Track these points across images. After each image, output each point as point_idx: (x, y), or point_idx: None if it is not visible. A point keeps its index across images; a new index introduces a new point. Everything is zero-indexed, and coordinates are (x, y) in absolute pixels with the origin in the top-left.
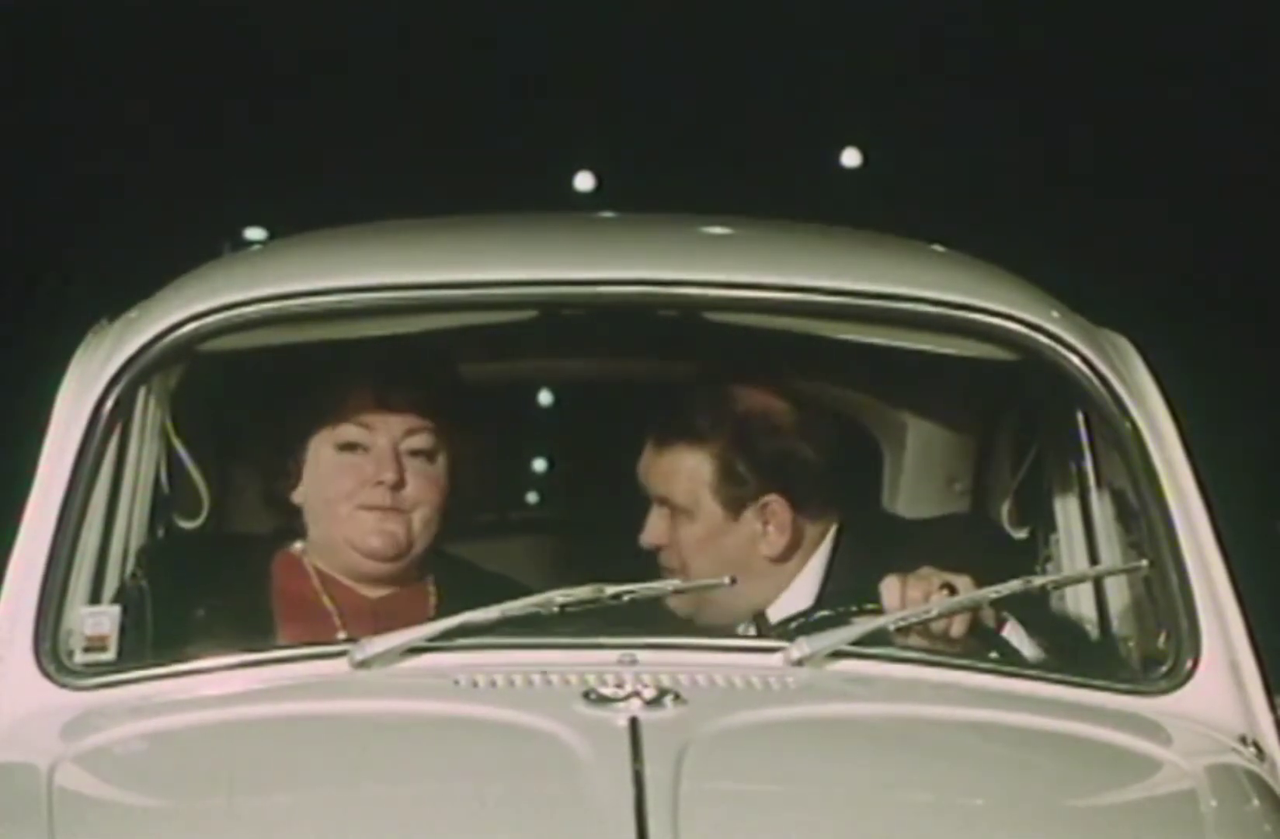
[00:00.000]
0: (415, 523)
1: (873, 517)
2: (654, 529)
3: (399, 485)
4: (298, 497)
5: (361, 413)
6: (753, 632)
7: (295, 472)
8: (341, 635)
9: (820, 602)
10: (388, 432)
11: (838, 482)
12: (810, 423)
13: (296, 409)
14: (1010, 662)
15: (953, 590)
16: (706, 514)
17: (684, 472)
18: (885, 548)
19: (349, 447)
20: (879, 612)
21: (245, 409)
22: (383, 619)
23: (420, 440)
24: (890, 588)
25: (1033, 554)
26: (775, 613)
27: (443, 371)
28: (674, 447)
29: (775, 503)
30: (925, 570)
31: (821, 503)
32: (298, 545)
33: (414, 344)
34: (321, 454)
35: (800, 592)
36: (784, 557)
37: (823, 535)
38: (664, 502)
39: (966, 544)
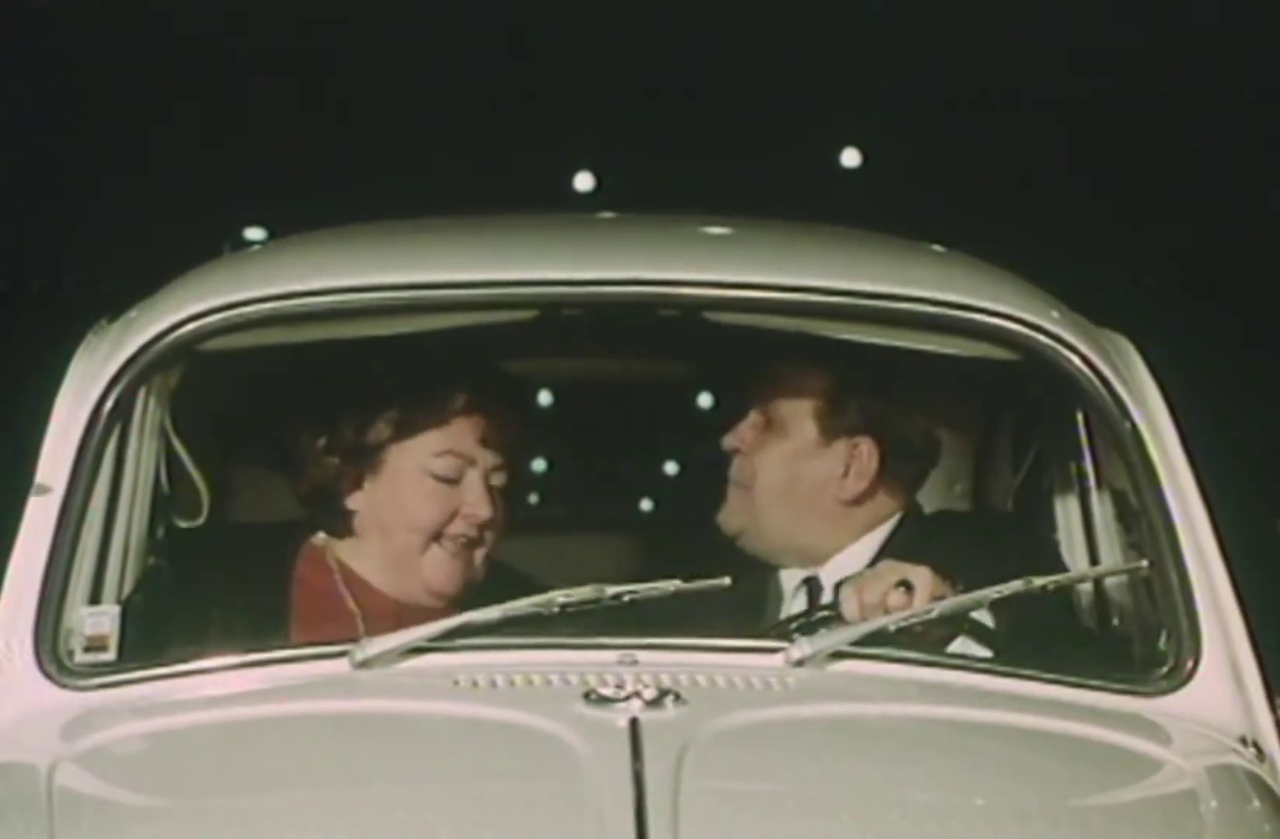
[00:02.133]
0: (479, 557)
1: (936, 511)
2: (741, 433)
3: (490, 524)
4: (354, 503)
5: (464, 446)
6: (804, 595)
7: (355, 477)
8: (360, 628)
9: None
10: (483, 466)
11: (922, 465)
12: (925, 409)
13: (377, 417)
14: (1010, 662)
15: (909, 587)
16: (801, 432)
17: (797, 385)
18: (939, 539)
19: (446, 480)
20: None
21: (245, 409)
22: (402, 617)
23: (502, 478)
24: (848, 598)
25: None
26: (826, 575)
27: (528, 412)
28: (798, 363)
29: (866, 445)
30: (883, 565)
31: (903, 471)
32: (320, 536)
33: (509, 380)
34: (408, 477)
35: (854, 560)
36: (855, 502)
37: (890, 512)
38: (764, 410)
39: (1013, 543)
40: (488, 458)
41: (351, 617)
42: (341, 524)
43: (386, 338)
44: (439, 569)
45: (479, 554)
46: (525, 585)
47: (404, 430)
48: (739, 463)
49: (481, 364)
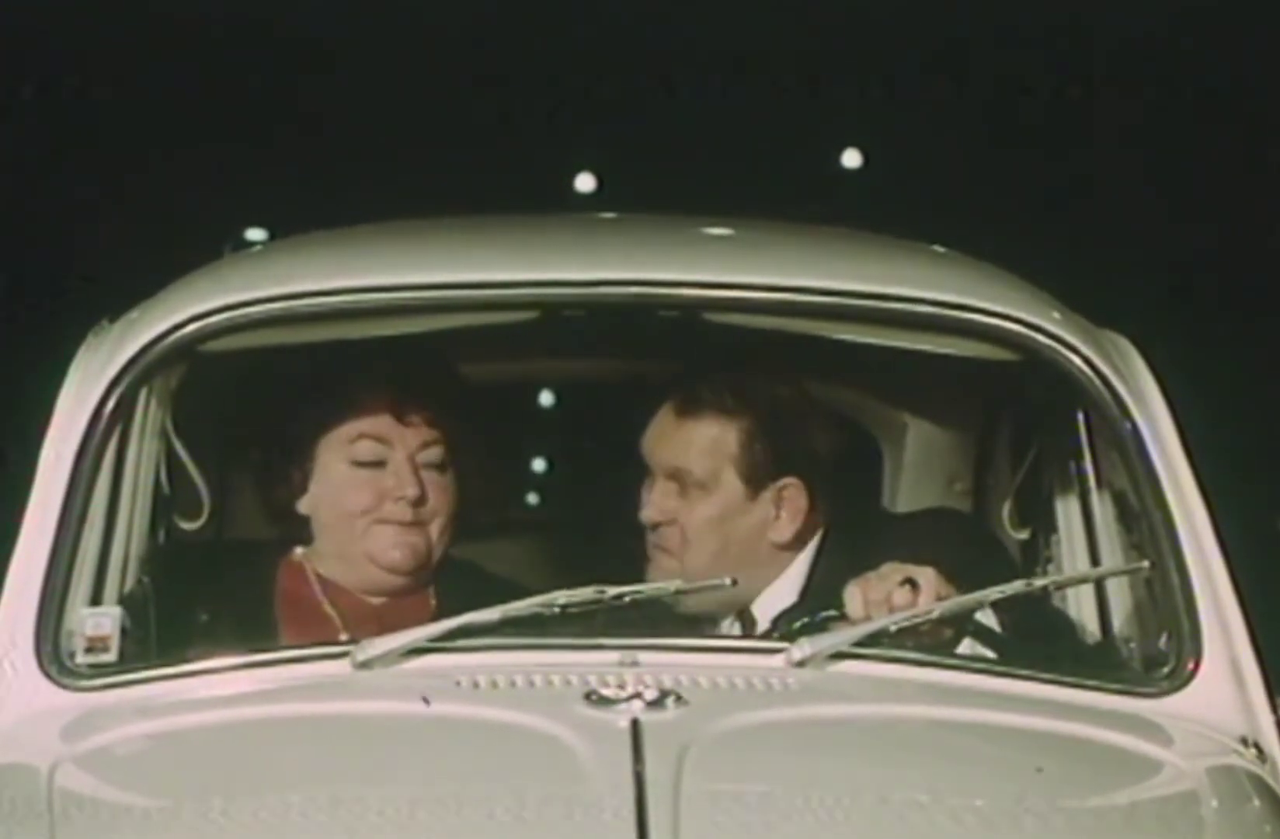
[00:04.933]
0: (433, 534)
1: (856, 514)
2: (660, 504)
3: (421, 501)
4: (304, 506)
5: (378, 427)
6: (737, 628)
7: (300, 480)
8: (344, 638)
9: (804, 598)
10: (404, 446)
11: (841, 481)
12: (826, 419)
13: (302, 417)
14: (1012, 663)
15: (914, 585)
16: (726, 489)
17: (707, 442)
18: (867, 544)
19: (368, 463)
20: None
21: (246, 410)
22: (384, 623)
23: (435, 453)
24: (852, 595)
25: (1033, 555)
26: (758, 608)
27: (452, 381)
28: (699, 417)
29: (794, 487)
30: (887, 567)
31: (827, 498)
32: (298, 551)
33: (421, 353)
34: (334, 468)
35: (784, 588)
36: (789, 545)
37: (813, 533)
38: (676, 475)
39: (948, 534)
40: (409, 436)
41: (332, 623)
42: (301, 530)
43: (357, 341)
44: (379, 542)
45: (431, 531)
46: (505, 589)
47: (324, 424)
48: (665, 532)
49: (390, 345)
